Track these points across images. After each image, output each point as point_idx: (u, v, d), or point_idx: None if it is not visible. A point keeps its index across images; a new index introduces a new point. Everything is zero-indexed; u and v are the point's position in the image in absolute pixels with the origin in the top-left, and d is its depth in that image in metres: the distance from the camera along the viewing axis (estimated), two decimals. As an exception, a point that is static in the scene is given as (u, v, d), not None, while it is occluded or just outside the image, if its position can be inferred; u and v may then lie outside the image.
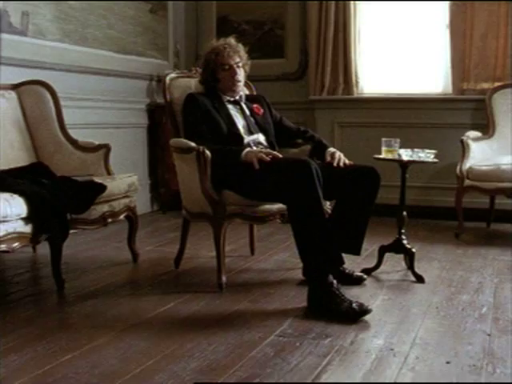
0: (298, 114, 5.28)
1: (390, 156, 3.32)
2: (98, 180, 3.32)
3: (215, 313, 2.78)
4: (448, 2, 4.98)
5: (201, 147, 3.10)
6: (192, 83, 3.63)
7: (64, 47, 4.39)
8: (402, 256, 3.53)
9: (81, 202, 3.10)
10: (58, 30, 4.34)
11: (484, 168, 4.24)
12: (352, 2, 5.20)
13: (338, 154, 3.25)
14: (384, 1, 5.23)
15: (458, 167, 4.32)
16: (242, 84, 3.42)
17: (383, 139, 3.35)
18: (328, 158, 3.24)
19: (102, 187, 3.26)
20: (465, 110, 4.99)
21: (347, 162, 3.23)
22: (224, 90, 3.40)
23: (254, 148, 3.22)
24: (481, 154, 4.45)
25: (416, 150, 3.30)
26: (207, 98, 3.36)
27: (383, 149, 3.35)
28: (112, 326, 2.58)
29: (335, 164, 3.19)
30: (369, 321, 2.67)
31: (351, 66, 5.25)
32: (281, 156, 3.06)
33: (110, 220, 3.44)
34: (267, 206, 3.19)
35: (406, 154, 3.27)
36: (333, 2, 5.21)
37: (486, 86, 4.90)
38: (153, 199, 5.58)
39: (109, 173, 3.73)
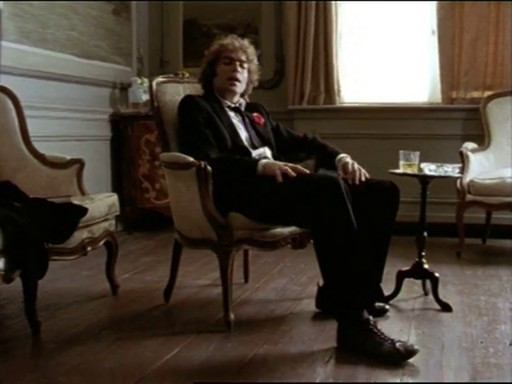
0: (275, 125, 4.90)
1: (409, 171, 2.98)
2: (76, 202, 2.82)
3: (232, 359, 2.34)
4: (435, 8, 4.71)
5: (202, 162, 2.65)
6: (180, 89, 3.18)
7: (22, 49, 3.86)
8: (413, 280, 3.19)
9: (61, 229, 2.60)
10: (16, 30, 3.80)
11: (487, 182, 3.97)
12: (333, 2, 4.86)
13: (357, 168, 2.78)
14: (368, 0, 4.92)
15: (459, 181, 4.03)
16: (241, 86, 2.98)
17: (401, 152, 3.00)
18: (341, 174, 2.81)
19: (83, 210, 2.76)
20: (455, 119, 4.73)
21: (367, 175, 2.80)
22: (221, 90, 2.97)
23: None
24: (479, 167, 4.18)
25: (438, 163, 2.97)
26: (206, 101, 2.90)
27: (401, 163, 3.00)
28: (114, 384, 2.11)
29: (350, 182, 2.72)
30: (414, 363, 2.29)
31: (333, 73, 4.90)
32: (307, 172, 2.63)
33: (89, 248, 2.95)
34: (278, 230, 2.76)
35: (429, 169, 2.93)
36: (313, 1, 4.86)
37: (476, 94, 4.66)
38: (117, 219, 5.02)
39: (83, 192, 3.23)
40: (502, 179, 3.92)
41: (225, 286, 2.66)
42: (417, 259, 3.07)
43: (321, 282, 2.76)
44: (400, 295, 3.12)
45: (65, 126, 4.37)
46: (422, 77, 4.95)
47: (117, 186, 5.01)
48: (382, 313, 2.87)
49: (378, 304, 2.88)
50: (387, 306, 2.92)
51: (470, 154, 4.12)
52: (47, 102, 4.16)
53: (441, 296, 3.03)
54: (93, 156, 4.68)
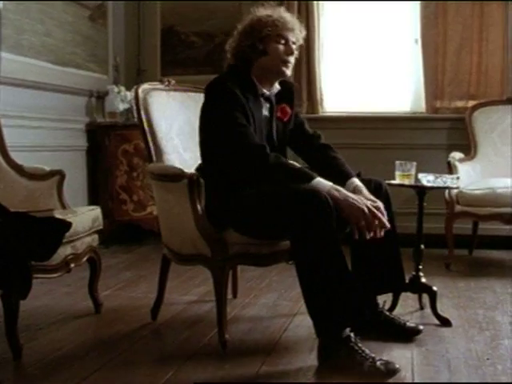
0: (256, 135, 4.79)
1: (406, 181, 2.89)
2: (58, 216, 2.65)
3: (233, 382, 2.20)
4: (419, 16, 4.67)
5: (194, 174, 2.53)
6: (167, 97, 3.04)
7: (-3, 55, 3.69)
8: (408, 294, 3.10)
9: (45, 246, 2.43)
10: (-10, 35, 3.63)
11: (477, 192, 3.91)
12: (315, 5, 4.78)
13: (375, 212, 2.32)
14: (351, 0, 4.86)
15: (447, 191, 3.97)
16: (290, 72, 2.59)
17: (397, 162, 2.92)
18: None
19: (67, 225, 2.60)
20: (439, 129, 4.69)
21: (387, 225, 2.35)
22: (268, 72, 2.55)
23: None
24: (466, 177, 4.12)
25: (437, 174, 2.90)
26: (239, 87, 2.47)
27: (397, 173, 2.92)
28: (108, 414, 1.95)
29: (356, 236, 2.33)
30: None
31: (315, 82, 4.82)
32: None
33: (73, 265, 2.78)
34: (274, 244, 2.63)
35: (427, 180, 2.85)
36: (295, 2, 4.76)
37: (460, 104, 4.62)
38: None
39: (64, 205, 3.06)
40: (492, 189, 3.87)
41: (219, 304, 2.51)
42: (414, 273, 2.99)
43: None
44: (396, 310, 3.02)
45: (39, 135, 4.19)
46: (405, 86, 4.90)
47: (93, 198, 4.83)
48: (413, 334, 2.66)
49: (408, 324, 2.72)
50: (421, 327, 2.70)
51: (457, 163, 4.06)
52: (21, 110, 3.99)
53: (437, 310, 2.94)
54: (68, 167, 4.42)
